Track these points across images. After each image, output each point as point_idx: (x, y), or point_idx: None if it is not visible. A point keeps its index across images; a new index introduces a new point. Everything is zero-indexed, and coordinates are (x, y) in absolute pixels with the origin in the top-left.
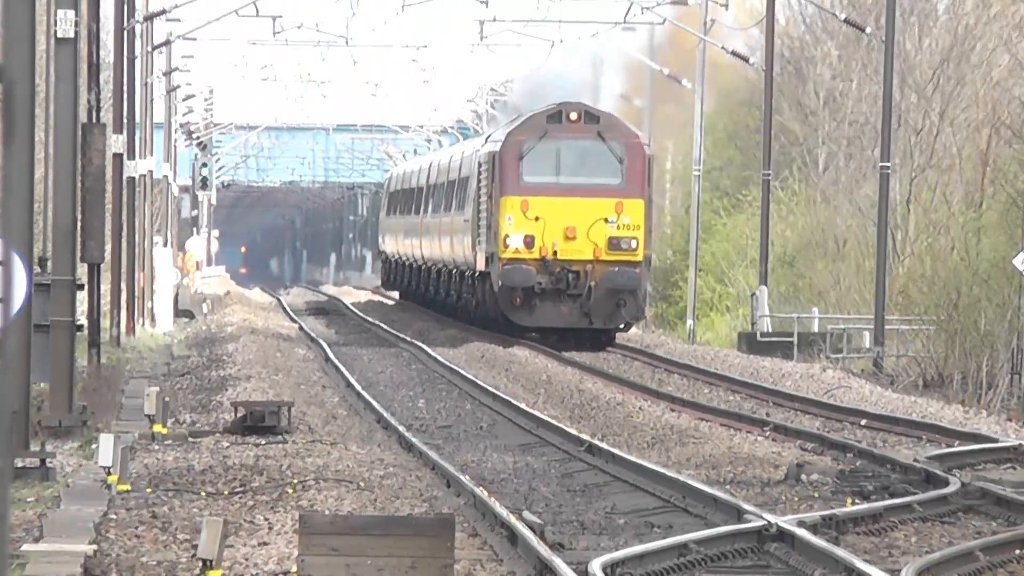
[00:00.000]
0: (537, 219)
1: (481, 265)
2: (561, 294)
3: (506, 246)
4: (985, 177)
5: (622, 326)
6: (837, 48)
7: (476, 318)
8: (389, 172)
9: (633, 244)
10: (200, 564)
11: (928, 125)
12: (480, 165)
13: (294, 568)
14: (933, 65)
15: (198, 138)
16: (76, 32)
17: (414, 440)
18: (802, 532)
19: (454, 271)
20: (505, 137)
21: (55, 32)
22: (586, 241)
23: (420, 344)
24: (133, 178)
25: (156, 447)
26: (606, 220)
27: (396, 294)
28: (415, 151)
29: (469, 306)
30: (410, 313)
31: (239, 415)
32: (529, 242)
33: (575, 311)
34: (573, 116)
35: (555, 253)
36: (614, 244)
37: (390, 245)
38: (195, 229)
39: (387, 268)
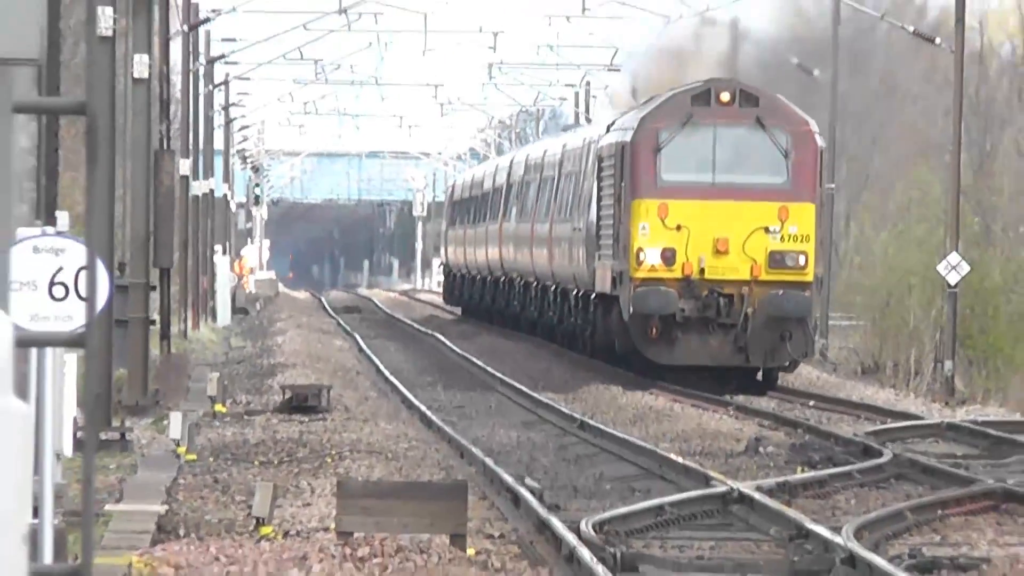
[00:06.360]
0: (679, 228)
1: (605, 286)
2: (709, 324)
3: (639, 262)
4: (911, 199)
5: (787, 364)
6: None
7: (594, 350)
8: (451, 181)
9: (801, 260)
10: (254, 521)
11: (863, 153)
12: (601, 160)
13: (333, 525)
14: (866, 100)
15: (252, 162)
16: (149, 73)
17: (433, 418)
18: (759, 496)
19: (554, 288)
20: (638, 123)
21: (132, 73)
22: (741, 256)
23: (439, 336)
24: (197, 196)
25: (217, 423)
26: (767, 230)
27: (442, 308)
28: (434, 174)
29: (580, 334)
30: (431, 310)
31: (286, 396)
32: (668, 257)
33: (727, 345)
34: (725, 97)
35: (702, 271)
36: (777, 260)
37: (455, 257)
38: (249, 239)
39: (451, 282)
